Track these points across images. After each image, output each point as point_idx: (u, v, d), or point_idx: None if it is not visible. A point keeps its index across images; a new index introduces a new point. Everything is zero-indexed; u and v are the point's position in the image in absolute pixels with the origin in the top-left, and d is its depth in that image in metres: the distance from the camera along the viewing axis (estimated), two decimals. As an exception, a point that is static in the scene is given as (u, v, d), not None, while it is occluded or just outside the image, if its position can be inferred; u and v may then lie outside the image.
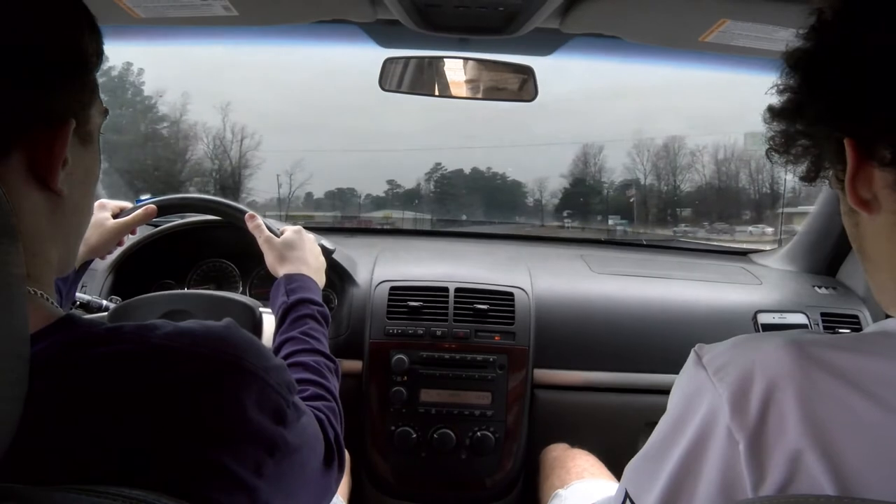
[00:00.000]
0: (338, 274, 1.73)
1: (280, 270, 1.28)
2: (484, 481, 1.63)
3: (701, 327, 1.73)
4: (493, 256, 1.96)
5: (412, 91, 1.66)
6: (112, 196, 1.52)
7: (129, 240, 1.62)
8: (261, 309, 1.32)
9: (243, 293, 1.75)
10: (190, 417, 0.60)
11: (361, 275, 1.76)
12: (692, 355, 0.65)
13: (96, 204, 1.34)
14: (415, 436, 1.59)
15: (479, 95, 1.68)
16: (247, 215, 1.39)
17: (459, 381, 1.61)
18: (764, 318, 1.77)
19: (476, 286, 1.71)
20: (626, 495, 0.68)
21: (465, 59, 1.61)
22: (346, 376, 1.45)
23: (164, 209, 1.44)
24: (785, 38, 1.21)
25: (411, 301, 1.67)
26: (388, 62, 1.61)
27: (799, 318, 1.78)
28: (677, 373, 0.67)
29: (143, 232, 1.72)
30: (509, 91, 1.65)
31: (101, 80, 0.72)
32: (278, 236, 1.34)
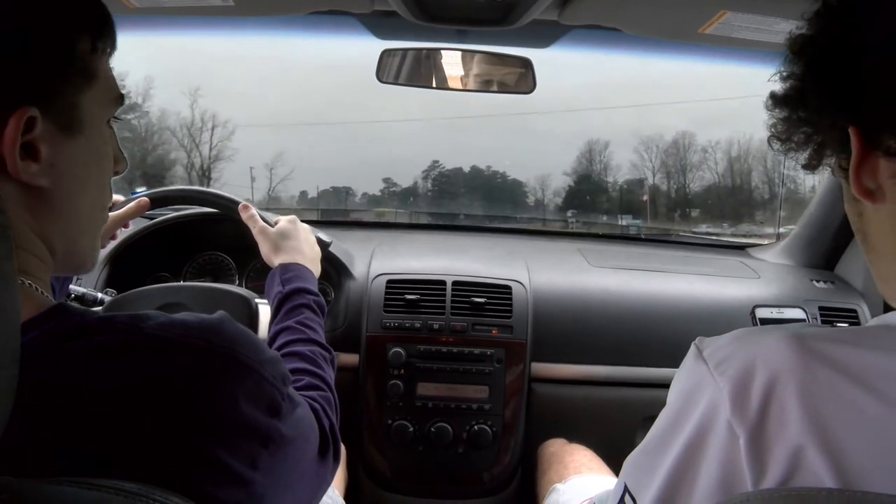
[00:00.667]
0: (334, 267, 1.72)
1: (275, 260, 1.27)
2: (481, 475, 1.63)
3: (699, 321, 1.72)
4: (491, 250, 1.96)
5: (409, 83, 1.65)
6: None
7: (124, 233, 1.61)
8: (256, 300, 1.31)
9: (239, 286, 1.74)
10: (183, 410, 0.60)
11: (358, 268, 1.75)
12: (692, 349, 0.64)
13: None
14: (412, 430, 1.59)
15: (477, 88, 1.67)
16: (240, 206, 1.38)
17: (457, 375, 1.61)
18: (762, 313, 1.76)
19: (473, 279, 1.71)
20: (626, 490, 0.67)
21: (463, 50, 1.60)
22: (342, 370, 1.44)
23: (158, 202, 1.43)
24: (785, 29, 1.20)
25: (408, 294, 1.66)
26: (386, 54, 1.60)
27: (797, 314, 1.78)
28: (676, 367, 0.67)
29: (138, 225, 1.71)
30: (507, 83, 1.65)
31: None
32: (273, 226, 1.33)
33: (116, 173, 0.80)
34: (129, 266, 1.70)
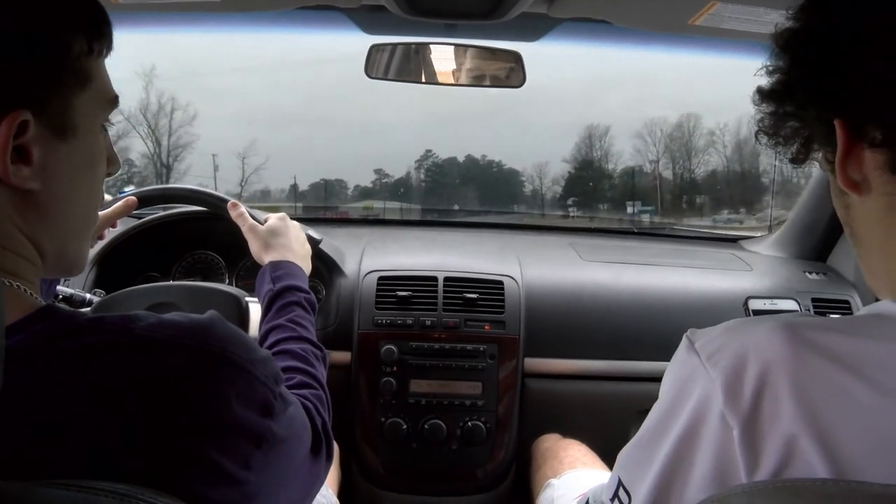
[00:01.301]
0: (325, 264, 1.72)
1: (265, 258, 1.26)
2: (475, 472, 1.62)
3: (692, 314, 1.72)
4: (482, 245, 1.95)
5: (398, 78, 1.64)
6: None
7: (111, 232, 1.60)
8: (247, 298, 1.30)
9: (229, 284, 1.73)
10: (175, 410, 0.59)
11: (349, 265, 1.74)
12: (684, 341, 0.64)
13: None
14: (405, 427, 1.58)
15: (467, 82, 1.66)
16: (229, 204, 1.37)
17: (450, 371, 1.60)
18: (755, 305, 1.76)
19: (465, 275, 1.70)
20: (620, 483, 0.67)
21: (452, 45, 1.59)
22: (334, 368, 1.44)
23: (145, 201, 1.42)
24: (775, 20, 1.20)
25: (400, 291, 1.65)
26: (374, 49, 1.59)
27: (790, 305, 1.78)
28: (669, 360, 0.67)
29: (126, 224, 1.70)
30: (497, 77, 1.64)
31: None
32: (262, 224, 1.32)
33: (109, 174, 0.79)
34: (117, 266, 1.69)
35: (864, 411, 0.51)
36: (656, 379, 0.67)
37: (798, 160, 0.69)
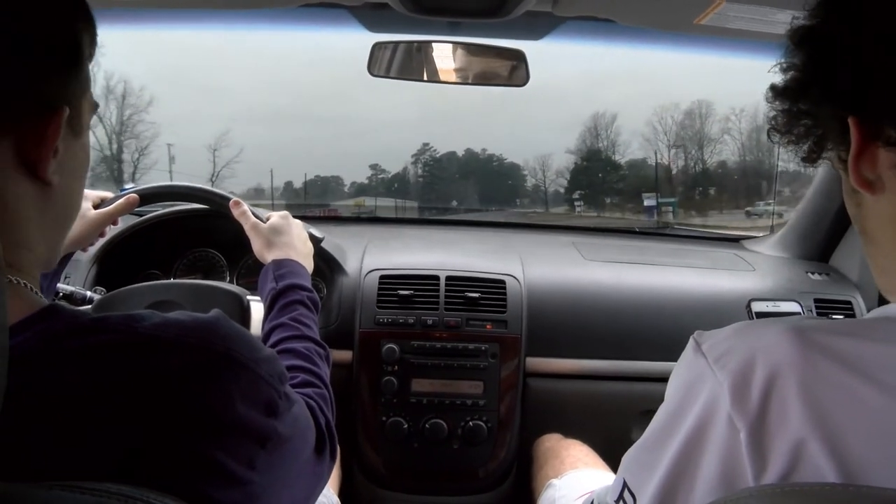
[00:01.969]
0: (327, 263, 1.71)
1: (268, 256, 1.26)
2: (477, 471, 1.62)
3: (694, 315, 1.72)
4: (484, 244, 1.95)
5: (401, 76, 1.63)
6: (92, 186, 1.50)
7: (113, 230, 1.59)
8: (248, 297, 1.30)
9: (231, 283, 1.73)
10: (179, 410, 0.59)
11: (351, 264, 1.74)
12: (691, 342, 0.64)
13: None
14: (406, 426, 1.58)
15: (470, 81, 1.66)
16: (231, 202, 1.37)
17: (451, 371, 1.60)
18: (758, 307, 1.76)
19: (467, 274, 1.70)
20: (625, 485, 0.67)
21: (456, 43, 1.58)
22: (336, 366, 1.43)
23: (147, 198, 1.41)
24: (782, 20, 1.20)
25: (402, 290, 1.65)
26: (377, 47, 1.58)
27: (792, 307, 1.78)
28: (672, 360, 0.67)
29: (127, 222, 1.70)
30: (500, 76, 1.63)
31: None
32: (264, 222, 1.32)
33: None
34: (118, 264, 1.69)
35: (873, 414, 0.50)
36: (658, 379, 0.67)
37: (811, 159, 0.69)
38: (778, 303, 1.78)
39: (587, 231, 2.39)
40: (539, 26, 1.52)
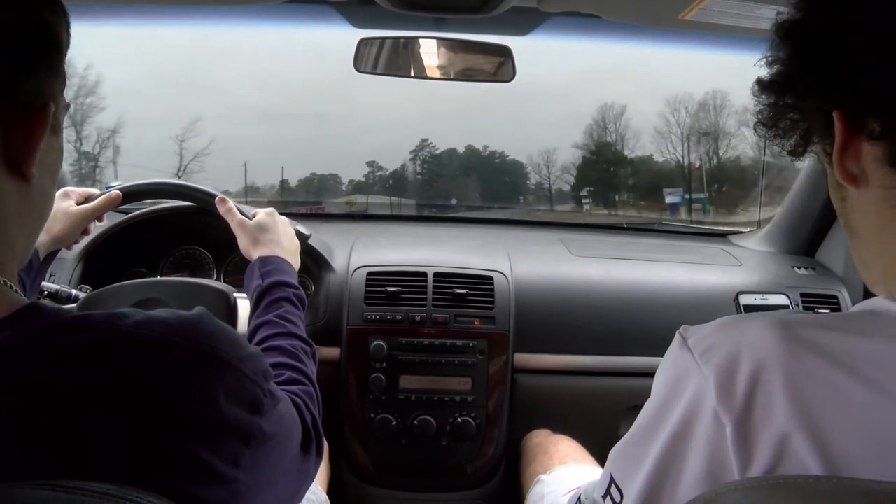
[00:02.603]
0: (314, 260, 1.71)
1: (254, 253, 1.26)
2: (465, 468, 1.62)
3: (682, 310, 1.72)
4: (472, 241, 1.95)
5: (387, 72, 1.63)
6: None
7: (98, 228, 1.58)
8: (235, 294, 1.29)
9: (218, 280, 1.72)
10: (162, 409, 0.59)
11: (338, 260, 1.74)
12: (677, 337, 0.64)
13: (61, 192, 1.32)
14: (395, 423, 1.58)
15: (456, 77, 1.66)
16: (217, 199, 1.36)
17: (439, 367, 1.59)
18: (746, 300, 1.77)
19: (455, 271, 1.70)
20: (612, 480, 0.67)
21: (442, 39, 1.58)
22: (324, 363, 1.43)
23: (131, 195, 1.40)
24: (767, 15, 1.20)
25: (389, 286, 1.64)
26: (363, 43, 1.58)
27: (780, 300, 1.79)
28: (660, 355, 0.67)
29: (112, 219, 1.68)
30: (487, 72, 1.63)
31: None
32: (250, 219, 1.31)
33: None
34: (103, 262, 1.68)
35: (857, 409, 0.51)
36: (647, 374, 0.67)
37: (797, 153, 0.69)
38: (766, 296, 1.79)
39: (575, 227, 2.40)
40: (525, 22, 1.52)
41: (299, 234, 1.43)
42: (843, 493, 0.47)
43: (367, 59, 1.61)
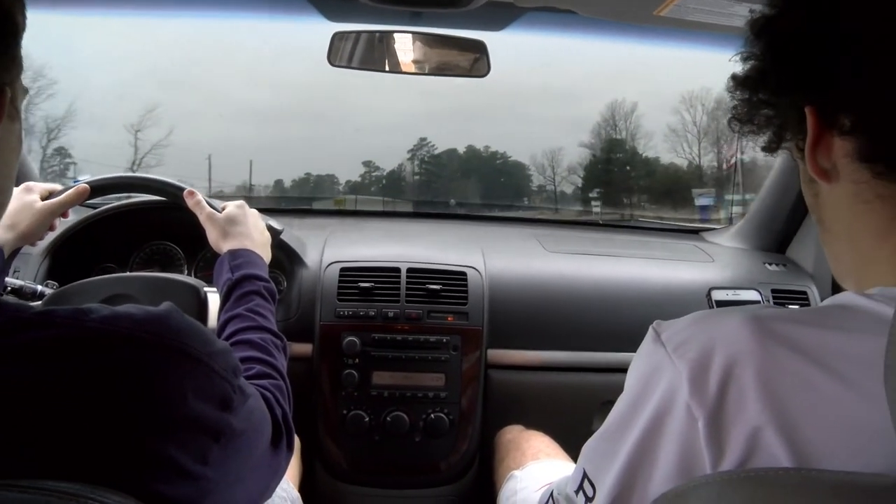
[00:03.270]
0: (286, 255, 1.69)
1: (223, 247, 1.24)
2: (438, 464, 1.62)
3: (655, 305, 1.73)
4: (445, 236, 1.94)
5: (362, 67, 1.62)
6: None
7: (64, 223, 1.55)
8: (205, 289, 1.28)
9: (189, 275, 1.70)
10: (129, 406, 0.58)
11: (311, 256, 1.72)
12: (650, 332, 0.64)
13: (23, 186, 1.28)
14: (367, 419, 1.57)
15: (431, 71, 1.65)
16: (185, 192, 1.34)
17: (412, 363, 1.59)
18: (718, 295, 1.78)
19: (428, 266, 1.69)
20: (585, 475, 0.67)
21: (417, 34, 1.57)
22: (296, 360, 1.42)
23: (98, 190, 1.38)
24: (741, 13, 1.21)
25: (362, 282, 1.63)
26: (337, 37, 1.57)
27: (752, 295, 1.81)
28: (633, 350, 0.67)
29: (80, 214, 1.66)
30: (462, 67, 1.63)
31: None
32: (220, 212, 1.30)
33: None
34: (72, 257, 1.65)
35: (826, 402, 0.51)
36: (619, 370, 0.67)
37: (770, 148, 0.70)
38: (738, 291, 1.81)
39: (549, 223, 2.40)
40: (500, 17, 1.52)
41: (271, 230, 1.41)
42: (812, 485, 0.47)
43: (342, 53, 1.59)
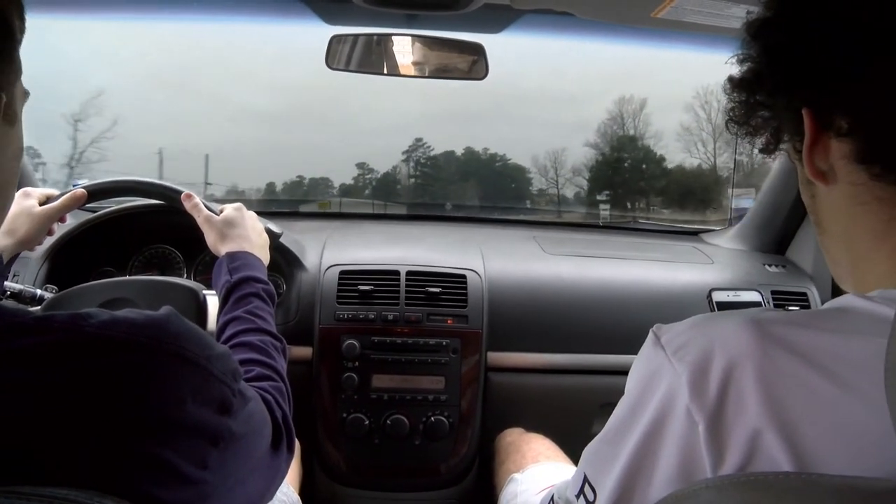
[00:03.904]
0: (285, 258, 1.69)
1: (222, 249, 1.24)
2: (438, 467, 1.62)
3: (655, 307, 1.73)
4: (445, 239, 1.94)
5: (360, 70, 1.62)
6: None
7: (63, 228, 1.55)
8: (204, 292, 1.28)
9: (188, 279, 1.70)
10: (127, 411, 0.58)
11: (310, 259, 1.72)
12: (650, 335, 0.64)
13: (21, 192, 1.29)
14: (367, 422, 1.57)
15: (429, 74, 1.65)
16: (183, 195, 1.34)
17: (412, 366, 1.59)
18: (719, 297, 1.78)
19: (428, 269, 1.69)
20: (585, 479, 0.67)
21: (415, 36, 1.57)
22: (295, 363, 1.42)
23: (95, 194, 1.38)
24: (738, 14, 1.21)
25: (362, 285, 1.63)
26: (335, 40, 1.57)
27: (753, 296, 1.81)
28: (633, 353, 0.67)
29: (79, 218, 1.66)
30: (460, 70, 1.63)
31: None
32: (218, 215, 1.30)
33: None
34: (70, 261, 1.65)
35: (826, 405, 0.51)
36: (619, 372, 0.67)
37: (768, 150, 0.70)
38: (739, 292, 1.81)
39: (547, 225, 2.40)
40: (497, 20, 1.52)
41: (270, 233, 1.41)
42: (813, 489, 0.47)
43: (340, 56, 1.59)
